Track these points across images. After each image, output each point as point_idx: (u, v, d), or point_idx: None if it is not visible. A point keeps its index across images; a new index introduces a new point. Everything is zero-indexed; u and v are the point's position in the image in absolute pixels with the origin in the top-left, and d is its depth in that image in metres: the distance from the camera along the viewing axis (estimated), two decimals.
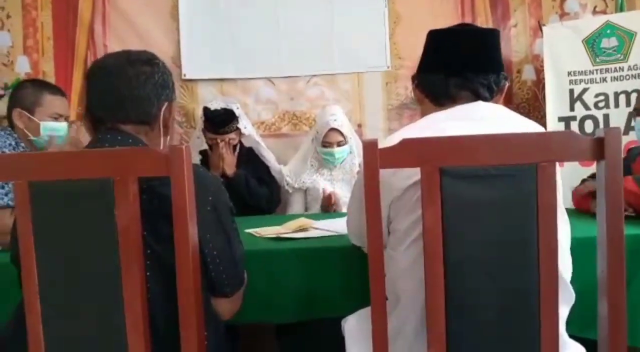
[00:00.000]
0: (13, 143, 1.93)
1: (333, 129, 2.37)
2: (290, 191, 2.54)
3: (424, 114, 1.22)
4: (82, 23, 2.80)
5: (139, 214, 0.84)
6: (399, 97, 2.84)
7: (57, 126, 1.95)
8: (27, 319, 0.87)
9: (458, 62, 1.16)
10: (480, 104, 1.14)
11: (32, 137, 1.96)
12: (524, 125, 1.13)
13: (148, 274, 0.90)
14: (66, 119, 2.03)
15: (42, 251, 0.87)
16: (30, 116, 1.95)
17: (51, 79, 2.70)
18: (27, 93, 1.97)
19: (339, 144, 2.39)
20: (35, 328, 0.87)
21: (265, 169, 2.57)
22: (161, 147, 1.07)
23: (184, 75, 2.82)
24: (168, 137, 1.11)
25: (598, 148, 0.83)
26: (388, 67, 2.84)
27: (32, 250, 0.86)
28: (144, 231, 0.88)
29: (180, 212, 0.81)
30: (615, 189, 0.82)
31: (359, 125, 2.84)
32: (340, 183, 2.47)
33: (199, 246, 0.92)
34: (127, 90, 1.04)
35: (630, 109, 2.40)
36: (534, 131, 1.09)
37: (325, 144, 2.40)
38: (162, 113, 1.07)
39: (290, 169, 2.56)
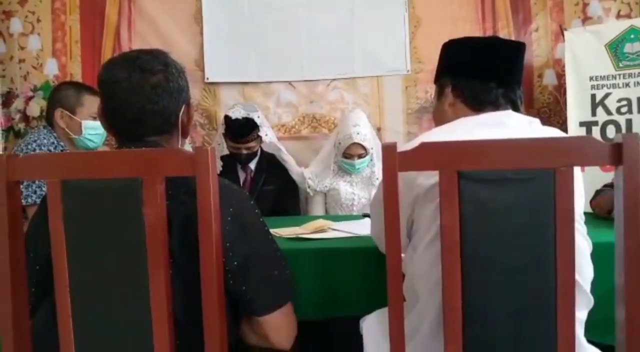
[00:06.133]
0: (55, 141, 2.02)
1: (355, 143, 2.38)
2: (312, 194, 2.56)
3: (448, 115, 1.24)
4: (109, 27, 2.88)
5: (165, 214, 0.87)
6: (418, 100, 2.85)
7: (98, 125, 2.02)
8: (58, 315, 0.89)
9: (505, 73, 1.20)
10: (512, 112, 1.18)
11: (73, 136, 2.05)
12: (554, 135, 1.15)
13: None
14: None
15: (72, 247, 0.90)
16: (72, 116, 2.04)
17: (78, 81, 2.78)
18: (68, 94, 2.08)
19: (360, 156, 2.40)
20: (65, 324, 0.89)
21: (287, 175, 2.59)
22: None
23: (207, 78, 2.87)
24: (187, 139, 1.09)
25: (616, 153, 0.83)
26: (408, 71, 2.85)
27: (63, 247, 0.89)
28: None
29: (205, 211, 0.83)
30: (633, 194, 0.82)
31: (379, 129, 2.85)
32: (360, 185, 2.49)
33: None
34: (145, 106, 1.02)
35: None
36: None
37: (347, 155, 2.41)
38: (180, 119, 1.06)
39: (312, 171, 2.58)
